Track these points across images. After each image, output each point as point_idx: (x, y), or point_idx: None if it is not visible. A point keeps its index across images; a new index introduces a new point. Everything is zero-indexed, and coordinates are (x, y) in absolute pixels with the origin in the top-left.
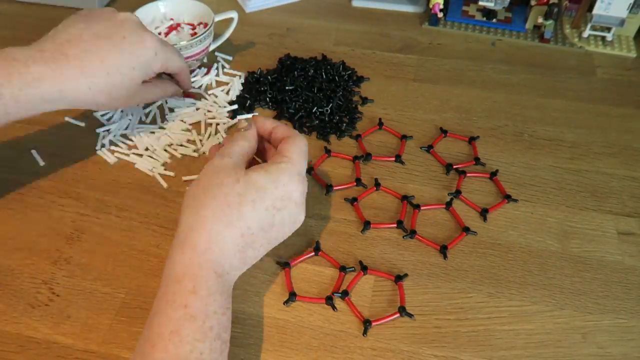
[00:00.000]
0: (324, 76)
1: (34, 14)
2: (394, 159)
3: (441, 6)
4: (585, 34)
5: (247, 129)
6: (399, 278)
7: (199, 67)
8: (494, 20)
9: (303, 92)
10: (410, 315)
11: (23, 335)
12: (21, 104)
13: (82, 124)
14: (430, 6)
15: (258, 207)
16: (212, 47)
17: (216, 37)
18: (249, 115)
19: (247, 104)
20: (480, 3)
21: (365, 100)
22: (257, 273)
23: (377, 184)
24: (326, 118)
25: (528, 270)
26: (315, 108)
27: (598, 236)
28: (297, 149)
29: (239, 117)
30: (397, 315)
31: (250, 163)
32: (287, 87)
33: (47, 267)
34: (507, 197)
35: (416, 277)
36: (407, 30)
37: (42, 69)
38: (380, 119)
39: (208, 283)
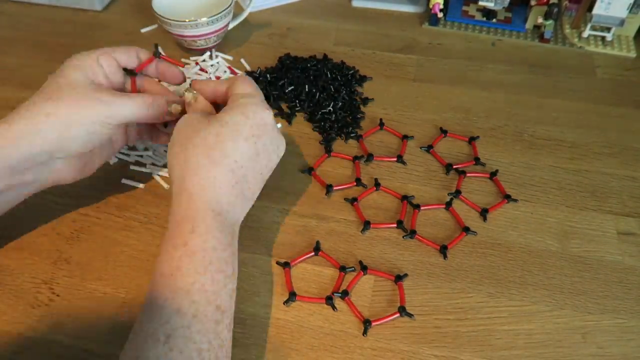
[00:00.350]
0: (328, 75)
1: (34, 14)
2: (395, 159)
3: (441, 6)
4: (585, 34)
5: (195, 99)
6: (398, 278)
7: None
8: (494, 20)
9: (304, 91)
10: (410, 315)
11: (23, 335)
12: None
13: None
14: (430, 6)
15: (237, 139)
16: (231, 26)
17: (235, 16)
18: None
19: None
20: (480, 3)
21: (366, 100)
22: (257, 273)
23: (377, 184)
24: (332, 117)
25: (528, 270)
26: (320, 110)
27: (598, 236)
28: (246, 84)
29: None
30: (397, 315)
31: None
32: (287, 87)
33: (47, 267)
34: (507, 197)
35: (416, 277)
36: (407, 30)
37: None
38: (381, 119)
39: (206, 221)
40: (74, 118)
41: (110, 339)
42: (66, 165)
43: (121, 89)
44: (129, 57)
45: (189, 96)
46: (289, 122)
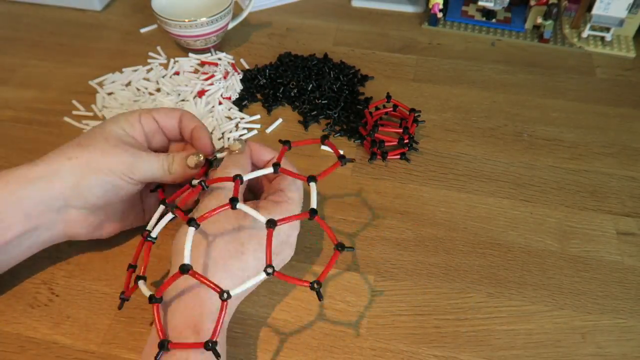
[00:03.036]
0: (331, 75)
1: (34, 14)
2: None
3: (441, 6)
4: (585, 34)
5: (240, 152)
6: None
7: (212, 48)
8: (494, 20)
9: (306, 90)
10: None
11: (23, 335)
12: None
13: (82, 125)
14: (430, 6)
15: (259, 255)
16: (230, 26)
17: (234, 16)
18: (240, 136)
19: (243, 103)
20: (480, 3)
21: (366, 101)
22: None
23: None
24: (336, 117)
25: (527, 270)
26: (325, 111)
27: (597, 236)
28: (297, 189)
29: (232, 136)
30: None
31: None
32: (289, 86)
33: (46, 267)
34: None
35: (416, 277)
36: (407, 31)
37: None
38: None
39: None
40: (94, 165)
41: (109, 339)
42: (81, 217)
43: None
44: (168, 118)
45: (235, 145)
46: (306, 128)
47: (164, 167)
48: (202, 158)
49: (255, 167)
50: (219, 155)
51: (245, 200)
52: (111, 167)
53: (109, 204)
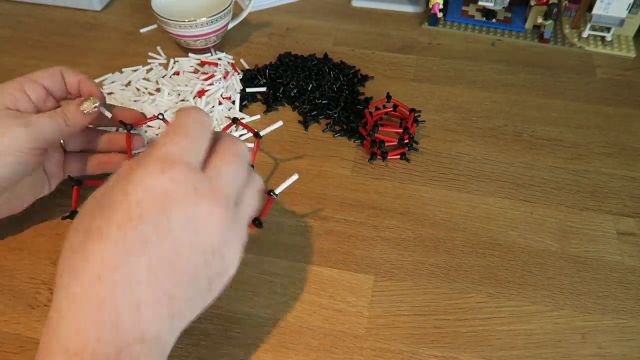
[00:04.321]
0: (331, 75)
1: (34, 14)
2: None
3: (441, 6)
4: (585, 34)
5: (92, 108)
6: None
7: (214, 48)
8: (494, 20)
9: (306, 90)
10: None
11: (22, 335)
12: None
13: None
14: (430, 6)
15: (106, 232)
16: (230, 26)
17: (234, 16)
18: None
19: (243, 103)
20: (480, 3)
21: (366, 101)
22: (256, 273)
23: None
24: (336, 117)
25: (528, 271)
26: (326, 111)
27: (597, 236)
28: (170, 127)
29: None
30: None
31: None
32: (289, 86)
33: (46, 268)
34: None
35: (416, 277)
36: (407, 30)
37: None
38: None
39: None
40: None
41: None
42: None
43: None
44: (53, 79)
45: (86, 105)
46: (306, 128)
47: (60, 122)
48: (96, 102)
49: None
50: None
51: None
52: (12, 146)
53: (17, 182)
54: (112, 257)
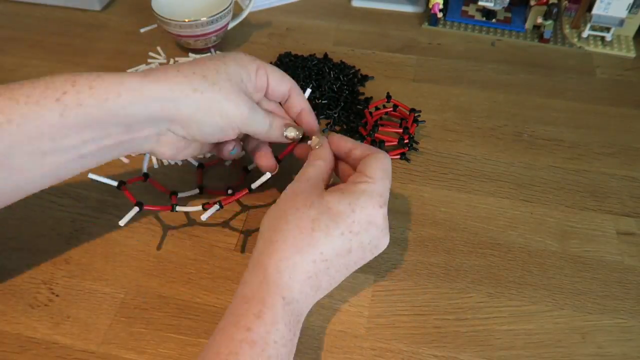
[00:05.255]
0: (331, 75)
1: (34, 14)
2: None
3: (441, 6)
4: (585, 34)
5: (320, 146)
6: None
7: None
8: (494, 20)
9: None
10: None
11: (23, 335)
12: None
13: None
14: (430, 6)
15: (332, 232)
16: (230, 26)
17: (234, 16)
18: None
19: None
20: (480, 3)
21: (366, 101)
22: None
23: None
24: (336, 117)
25: (528, 270)
26: (325, 111)
27: (597, 236)
28: (379, 167)
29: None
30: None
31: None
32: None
33: (46, 267)
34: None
35: (416, 277)
36: (407, 30)
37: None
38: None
39: (274, 309)
40: (216, 107)
41: (109, 339)
42: (175, 141)
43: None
44: (281, 85)
45: (314, 141)
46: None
47: (269, 127)
48: (299, 132)
49: (338, 157)
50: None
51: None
52: (230, 115)
53: (207, 140)
54: (329, 251)
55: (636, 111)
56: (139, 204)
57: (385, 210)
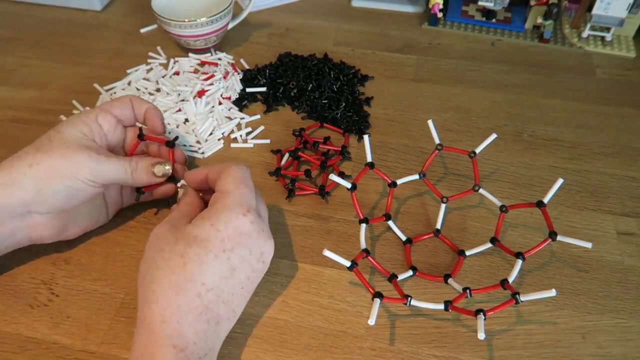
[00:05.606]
0: (331, 75)
1: (34, 14)
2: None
3: (441, 6)
4: (585, 34)
5: (185, 193)
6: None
7: (214, 49)
8: (494, 20)
9: (306, 90)
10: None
11: (22, 335)
12: None
13: None
14: (430, 6)
15: (205, 258)
16: (230, 26)
17: (234, 16)
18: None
19: (243, 103)
20: (480, 3)
21: (368, 100)
22: None
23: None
24: (338, 116)
25: (528, 271)
26: (325, 112)
27: (597, 236)
28: (231, 179)
29: (178, 186)
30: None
31: None
32: (289, 86)
33: (46, 267)
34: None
35: (416, 276)
36: (407, 30)
37: None
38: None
39: None
40: (57, 171)
41: (109, 339)
42: (45, 222)
43: (120, 146)
44: (124, 109)
45: (180, 192)
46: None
47: (127, 172)
48: (168, 167)
49: (204, 190)
50: (179, 184)
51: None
52: (74, 172)
53: (72, 207)
54: (210, 279)
55: (636, 111)
56: (378, 295)
57: (252, 216)
